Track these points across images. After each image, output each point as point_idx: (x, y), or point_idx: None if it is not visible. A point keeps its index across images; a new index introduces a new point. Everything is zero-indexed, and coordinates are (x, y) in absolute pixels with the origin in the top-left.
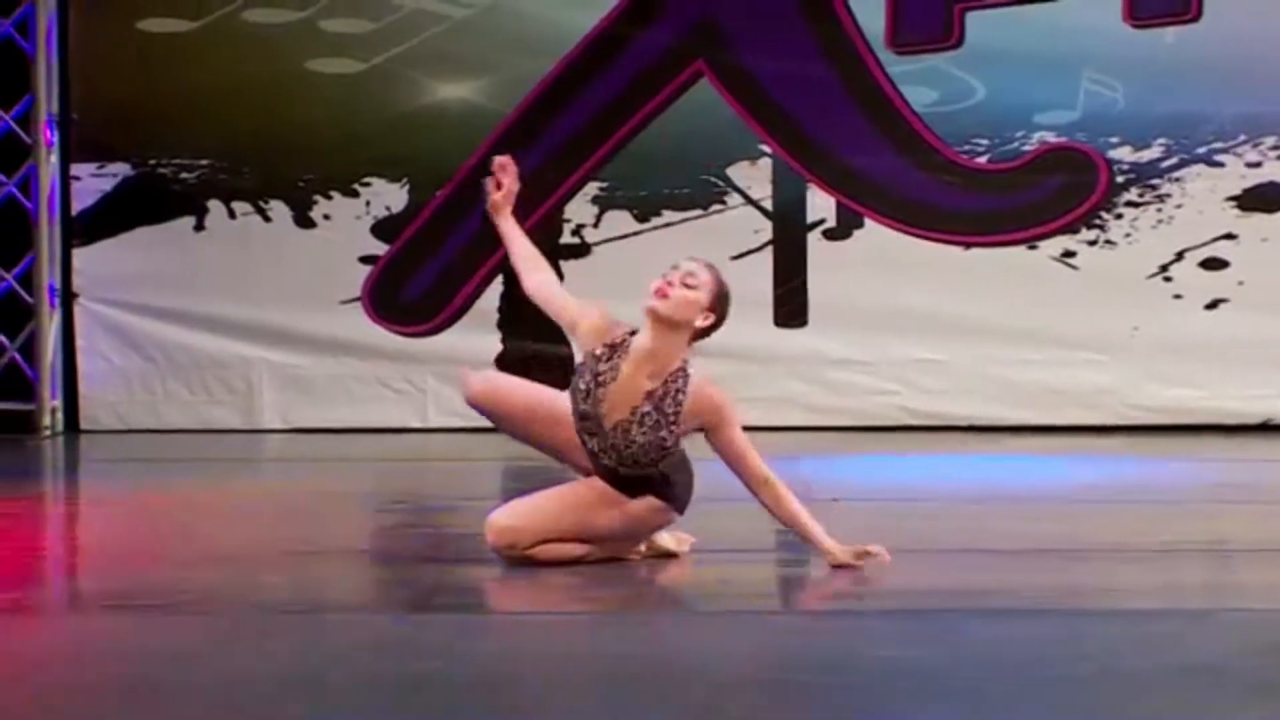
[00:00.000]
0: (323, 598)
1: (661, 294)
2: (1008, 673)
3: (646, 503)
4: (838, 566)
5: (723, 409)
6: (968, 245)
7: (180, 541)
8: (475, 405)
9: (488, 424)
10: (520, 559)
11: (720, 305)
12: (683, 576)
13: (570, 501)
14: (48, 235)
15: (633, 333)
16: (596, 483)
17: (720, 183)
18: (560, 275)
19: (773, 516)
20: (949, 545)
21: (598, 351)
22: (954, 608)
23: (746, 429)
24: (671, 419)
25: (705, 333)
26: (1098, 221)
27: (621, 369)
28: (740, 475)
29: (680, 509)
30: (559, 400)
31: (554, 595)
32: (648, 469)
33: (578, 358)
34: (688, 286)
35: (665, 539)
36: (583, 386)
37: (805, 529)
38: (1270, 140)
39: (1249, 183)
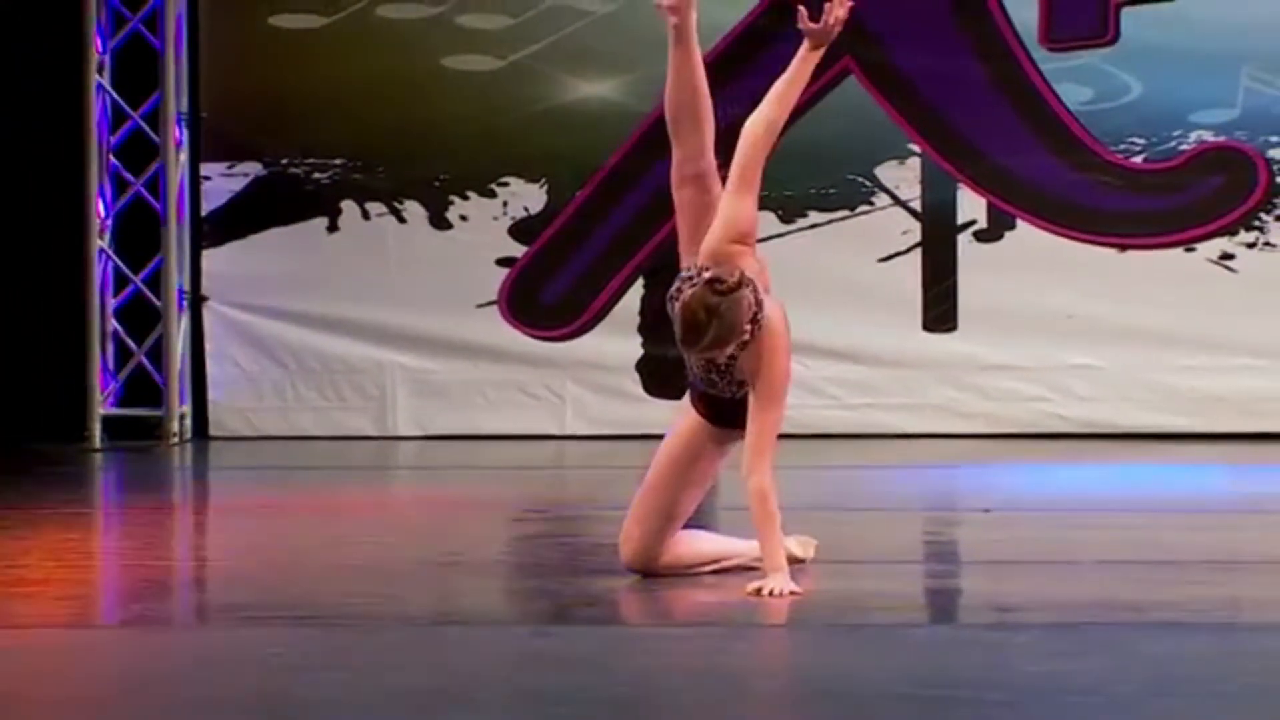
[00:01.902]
0: (461, 609)
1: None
2: (1166, 687)
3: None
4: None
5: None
6: (1123, 247)
7: (313, 552)
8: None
9: (632, 430)
10: (657, 570)
11: None
12: (826, 588)
13: (671, 467)
14: (176, 237)
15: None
16: (687, 430)
17: (868, 183)
18: None
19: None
20: (1104, 556)
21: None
22: (1110, 620)
23: (896, 436)
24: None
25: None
26: (1257, 223)
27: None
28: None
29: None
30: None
31: (693, 607)
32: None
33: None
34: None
35: (791, 544)
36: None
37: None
38: None
39: None
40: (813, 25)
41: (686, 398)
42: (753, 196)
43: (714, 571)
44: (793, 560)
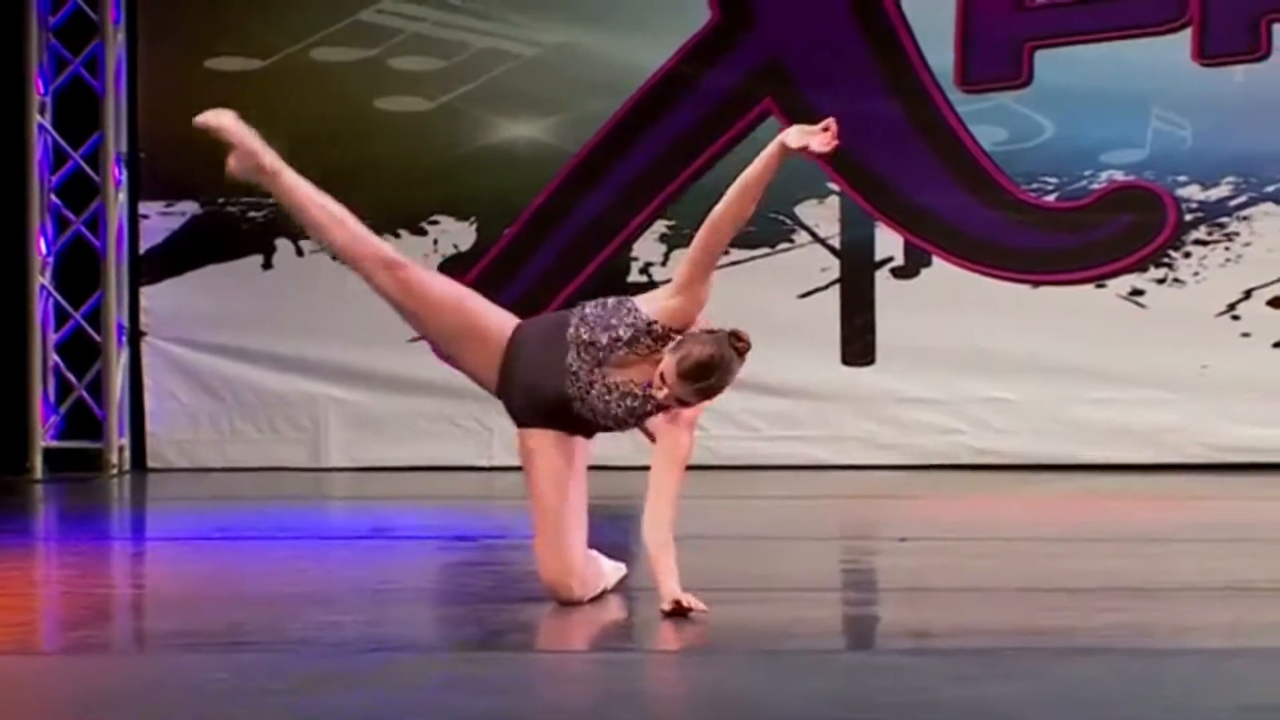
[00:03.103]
0: (394, 635)
1: (673, 416)
2: (1082, 712)
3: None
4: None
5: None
6: (1036, 284)
7: (249, 580)
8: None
9: None
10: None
11: None
12: (746, 615)
13: (561, 491)
14: (115, 274)
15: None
16: (552, 451)
17: (788, 221)
18: None
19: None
20: (1019, 584)
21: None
22: (1026, 647)
23: (816, 467)
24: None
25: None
26: (1166, 260)
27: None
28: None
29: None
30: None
31: (616, 632)
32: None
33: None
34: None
35: (607, 568)
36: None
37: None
38: None
39: None
40: (797, 146)
41: (519, 441)
42: (709, 284)
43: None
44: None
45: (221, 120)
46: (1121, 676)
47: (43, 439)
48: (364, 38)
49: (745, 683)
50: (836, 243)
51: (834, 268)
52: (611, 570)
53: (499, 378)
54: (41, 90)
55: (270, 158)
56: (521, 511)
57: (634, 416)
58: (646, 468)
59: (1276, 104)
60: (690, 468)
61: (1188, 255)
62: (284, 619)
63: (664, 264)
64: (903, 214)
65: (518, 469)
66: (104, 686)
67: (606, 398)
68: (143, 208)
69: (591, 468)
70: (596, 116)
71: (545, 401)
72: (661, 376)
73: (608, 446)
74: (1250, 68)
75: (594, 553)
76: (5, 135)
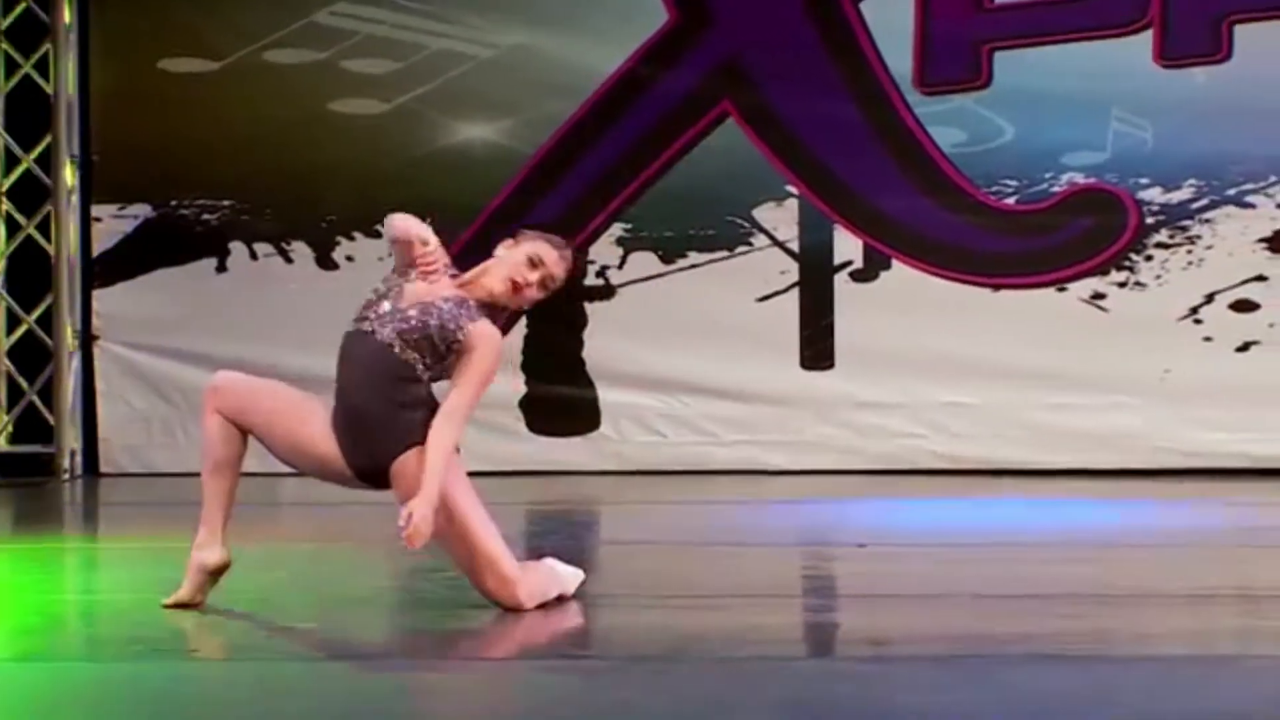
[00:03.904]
0: (348, 644)
1: (516, 288)
2: (1039, 719)
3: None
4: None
5: (494, 343)
6: (996, 287)
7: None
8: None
9: (514, 467)
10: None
11: None
12: (703, 622)
13: (477, 504)
14: (67, 277)
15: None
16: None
17: (746, 224)
18: (584, 317)
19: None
20: (978, 590)
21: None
22: (985, 653)
23: (774, 472)
24: (459, 326)
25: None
26: (1127, 263)
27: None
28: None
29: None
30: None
31: (573, 638)
32: (419, 352)
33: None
34: (543, 288)
35: (564, 573)
36: (382, 287)
37: (430, 471)
38: None
39: None
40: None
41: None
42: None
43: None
44: (563, 597)
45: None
46: (1080, 683)
47: None
48: (318, 39)
49: (703, 691)
50: (795, 246)
51: (793, 271)
52: (569, 576)
53: (340, 445)
54: None
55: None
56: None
57: (447, 328)
58: (608, 473)
59: (1238, 106)
60: (646, 473)
61: (1149, 258)
62: (236, 628)
63: (620, 267)
64: (862, 217)
65: (475, 474)
66: (54, 695)
67: (413, 313)
68: (95, 210)
69: (548, 472)
70: (553, 118)
71: (373, 384)
72: (498, 272)
73: (566, 451)
74: (1212, 69)
75: (550, 560)
76: None
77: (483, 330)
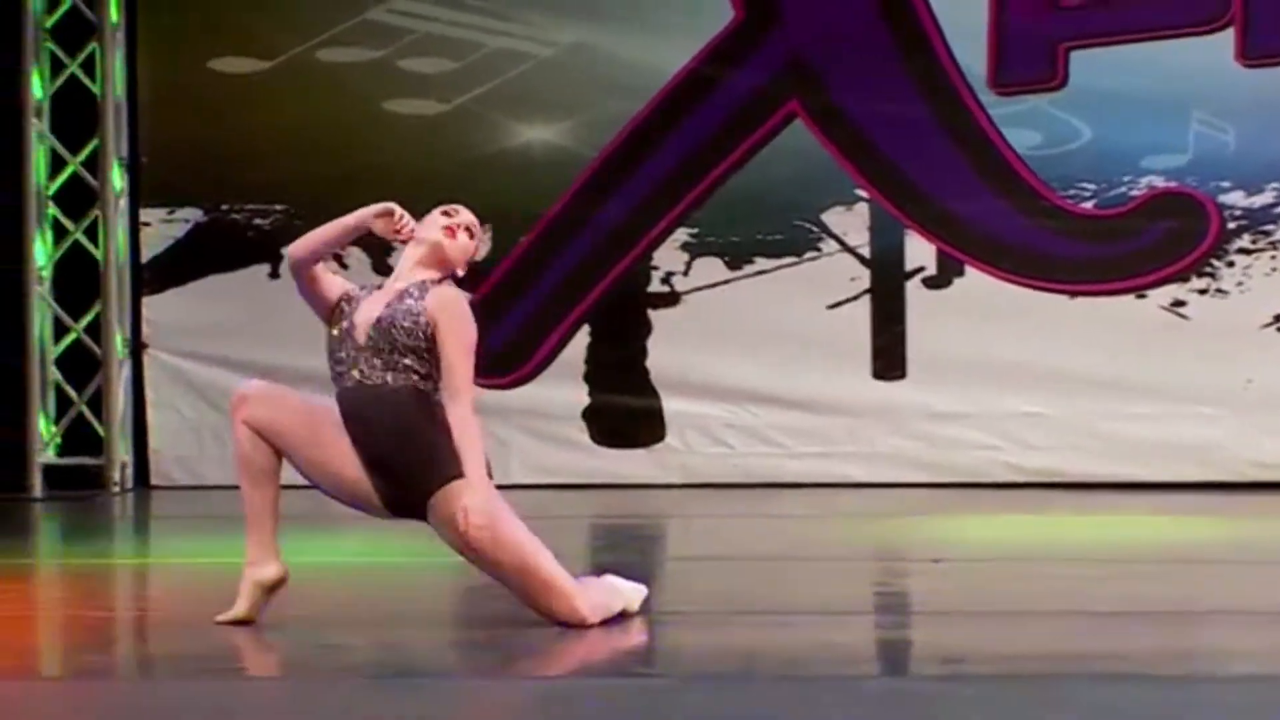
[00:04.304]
0: (405, 661)
1: (450, 233)
2: None
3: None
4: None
5: (456, 306)
6: (1073, 294)
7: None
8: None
9: (577, 480)
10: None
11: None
12: (774, 639)
13: (524, 539)
14: (116, 284)
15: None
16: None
17: (815, 228)
18: (648, 325)
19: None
20: (1055, 607)
21: (347, 295)
22: (1062, 672)
23: (845, 485)
24: (418, 301)
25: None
26: (1208, 269)
27: (371, 292)
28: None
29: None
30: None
31: (641, 657)
32: (408, 371)
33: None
34: (468, 234)
35: (625, 590)
36: (336, 332)
37: (466, 456)
38: None
39: None
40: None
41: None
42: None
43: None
44: (626, 613)
45: None
46: (1154, 704)
47: (41, 456)
48: (373, 37)
49: (770, 710)
50: (866, 251)
51: (864, 277)
52: (631, 591)
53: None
54: (38, 94)
55: None
56: (542, 532)
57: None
58: (673, 486)
59: None
60: (712, 486)
61: (1231, 264)
62: (291, 644)
63: (685, 273)
64: (934, 221)
65: (537, 487)
66: (106, 713)
67: (374, 334)
68: (144, 215)
69: (612, 485)
70: (616, 119)
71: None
72: (428, 235)
73: (630, 463)
74: None
75: (610, 576)
76: (0, 141)
77: (440, 297)
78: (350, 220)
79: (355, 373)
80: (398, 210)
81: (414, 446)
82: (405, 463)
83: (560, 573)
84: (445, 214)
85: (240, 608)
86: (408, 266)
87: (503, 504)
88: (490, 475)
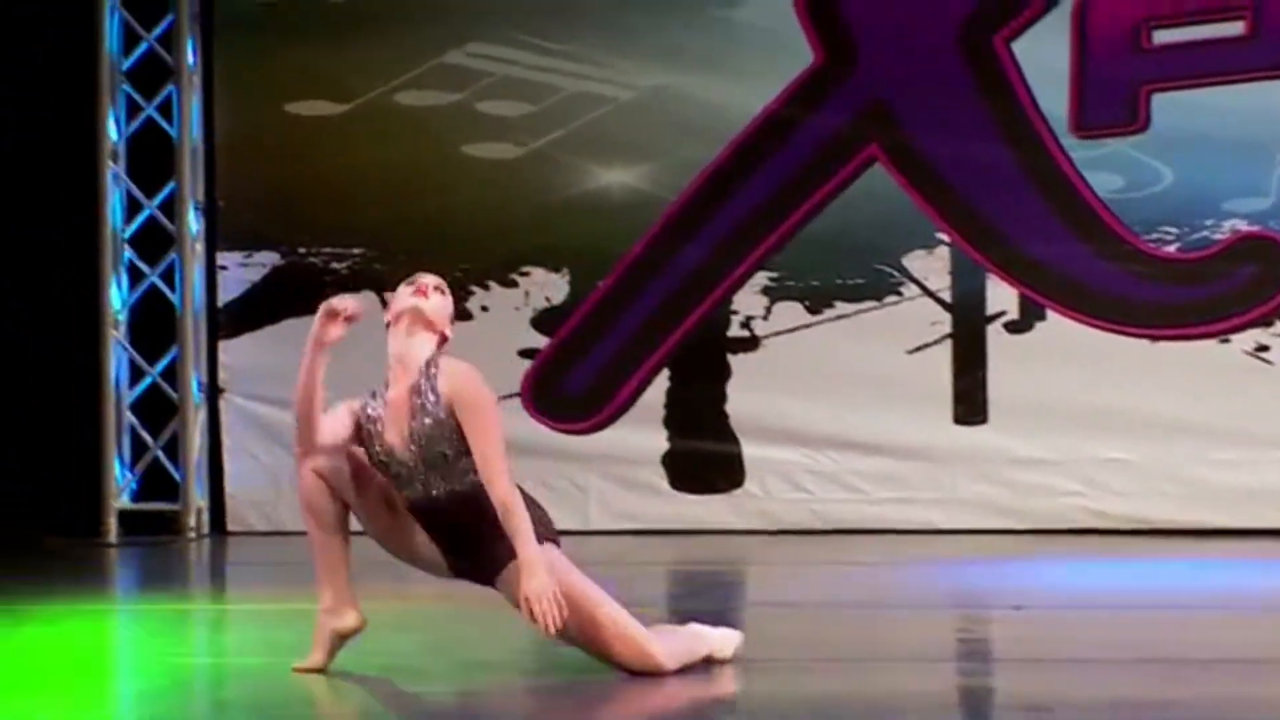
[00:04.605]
0: (485, 711)
1: (421, 293)
2: None
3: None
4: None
5: (466, 391)
6: (1156, 339)
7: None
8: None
9: (656, 526)
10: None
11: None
12: (855, 688)
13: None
14: (193, 327)
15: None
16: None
17: (896, 273)
18: (728, 369)
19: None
20: (1141, 655)
21: (364, 416)
22: None
23: (925, 531)
24: (435, 398)
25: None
26: None
27: (386, 403)
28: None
29: (548, 534)
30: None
31: (717, 706)
32: (466, 472)
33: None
34: (440, 292)
35: (714, 639)
36: (376, 456)
37: (517, 539)
38: None
39: None
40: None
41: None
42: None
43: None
44: (712, 660)
45: None
46: None
47: (117, 501)
48: (451, 81)
49: None
50: (947, 295)
51: (945, 321)
52: (720, 638)
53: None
54: (114, 136)
55: None
56: (621, 580)
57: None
58: (752, 532)
59: None
60: (791, 532)
61: None
62: (370, 693)
63: (765, 318)
64: (1016, 265)
65: (616, 533)
66: None
67: (413, 447)
68: (221, 258)
69: (691, 531)
70: (694, 163)
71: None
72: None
73: (708, 509)
74: None
75: (694, 625)
76: (77, 184)
77: (450, 381)
78: (307, 347)
79: (418, 486)
80: (332, 301)
81: (481, 530)
82: (474, 543)
83: (629, 621)
84: (408, 284)
85: (316, 657)
86: (398, 349)
87: (562, 562)
88: (552, 536)
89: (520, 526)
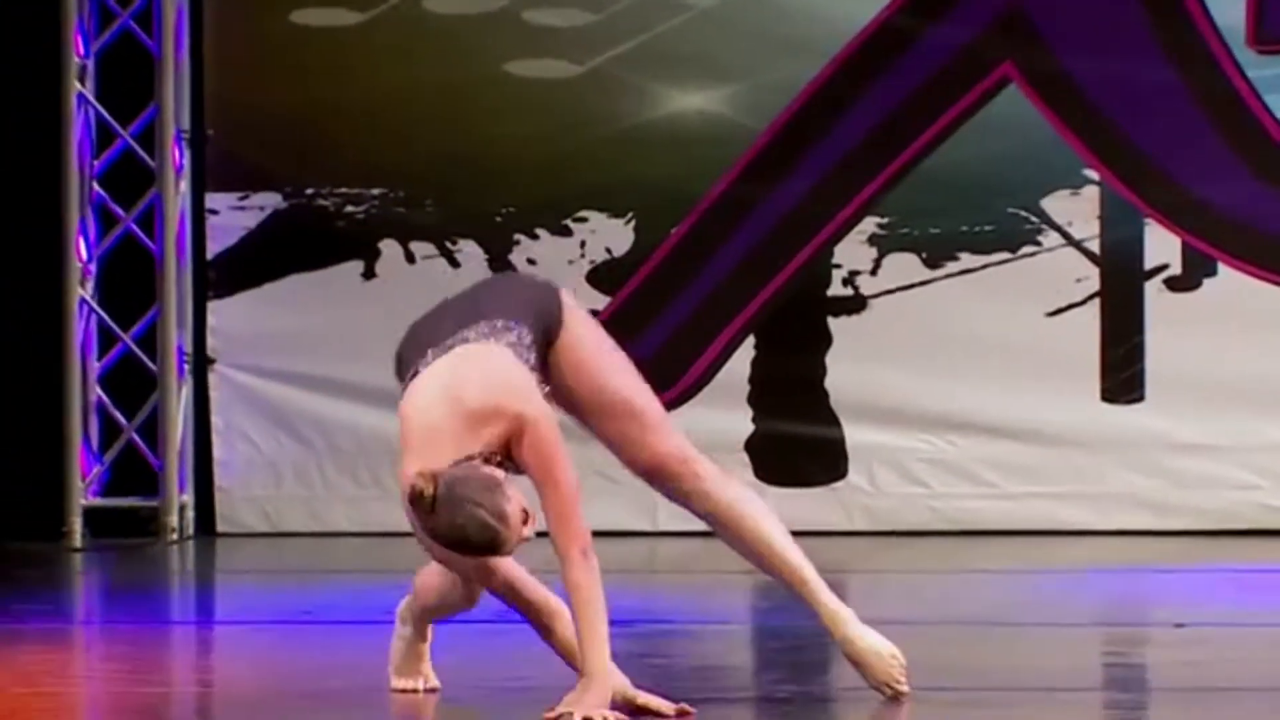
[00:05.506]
0: None
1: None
2: None
3: None
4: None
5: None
6: None
7: (340, 674)
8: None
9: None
10: None
11: None
12: None
13: None
14: (175, 284)
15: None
16: None
17: (1033, 218)
18: (828, 337)
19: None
20: None
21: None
22: None
23: (1068, 533)
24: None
25: None
26: None
27: None
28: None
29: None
30: None
31: None
32: None
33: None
34: None
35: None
36: None
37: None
38: None
39: None
40: None
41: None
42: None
43: None
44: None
45: None
46: None
47: (83, 496)
48: None
49: None
50: (1095, 246)
51: (1092, 277)
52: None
53: None
54: (82, 51)
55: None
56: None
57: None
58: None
59: None
60: (905, 533)
61: None
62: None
63: (873, 273)
64: (1180, 209)
65: (689, 534)
66: None
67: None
68: (210, 201)
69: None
70: (790, 84)
71: None
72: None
73: (804, 505)
74: None
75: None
76: (37, 108)
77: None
78: None
79: None
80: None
81: None
82: None
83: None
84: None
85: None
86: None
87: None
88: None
89: (596, 630)
